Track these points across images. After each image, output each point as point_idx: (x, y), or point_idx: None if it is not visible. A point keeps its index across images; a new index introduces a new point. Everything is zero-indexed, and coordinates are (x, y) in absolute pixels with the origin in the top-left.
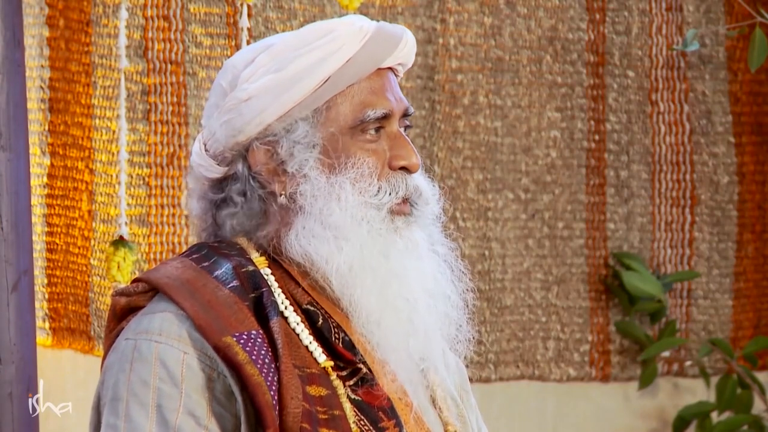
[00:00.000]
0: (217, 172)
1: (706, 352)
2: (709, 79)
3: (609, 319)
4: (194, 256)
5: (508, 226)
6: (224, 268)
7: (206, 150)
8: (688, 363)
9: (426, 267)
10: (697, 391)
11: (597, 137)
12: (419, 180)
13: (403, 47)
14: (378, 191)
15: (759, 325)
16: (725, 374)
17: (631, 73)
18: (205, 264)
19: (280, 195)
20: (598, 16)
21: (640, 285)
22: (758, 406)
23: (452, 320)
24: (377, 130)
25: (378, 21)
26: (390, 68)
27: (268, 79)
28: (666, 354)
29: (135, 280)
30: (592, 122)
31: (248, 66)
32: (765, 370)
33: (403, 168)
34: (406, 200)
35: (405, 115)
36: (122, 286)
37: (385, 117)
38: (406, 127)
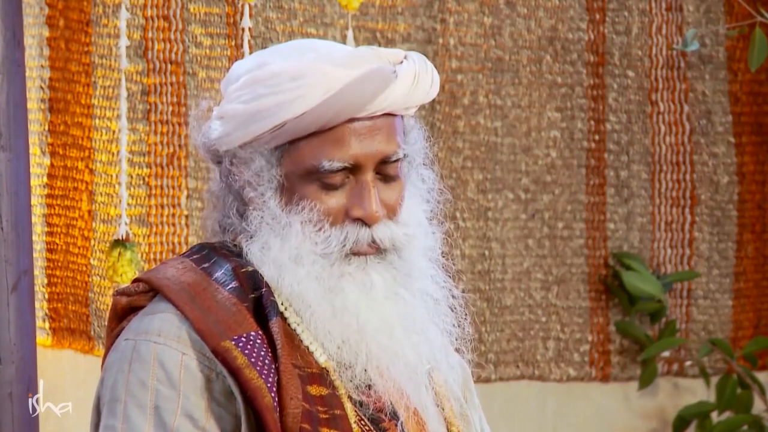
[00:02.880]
0: (216, 173)
1: (706, 352)
2: (709, 79)
3: (609, 319)
4: (195, 256)
5: (508, 226)
6: (224, 270)
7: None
8: (688, 363)
9: (388, 305)
10: (697, 391)
11: (597, 137)
12: (384, 229)
13: (388, 96)
14: (326, 239)
15: (759, 325)
16: (725, 374)
17: (631, 73)
18: (205, 265)
19: (249, 208)
20: (598, 16)
21: (640, 285)
22: (758, 406)
23: (438, 347)
24: (343, 178)
25: (375, 61)
26: (389, 113)
27: (237, 108)
28: (666, 354)
29: (135, 280)
30: (592, 122)
31: (234, 83)
32: (765, 370)
33: (360, 219)
34: (369, 244)
35: (385, 161)
36: (123, 285)
37: (347, 169)
38: (395, 163)
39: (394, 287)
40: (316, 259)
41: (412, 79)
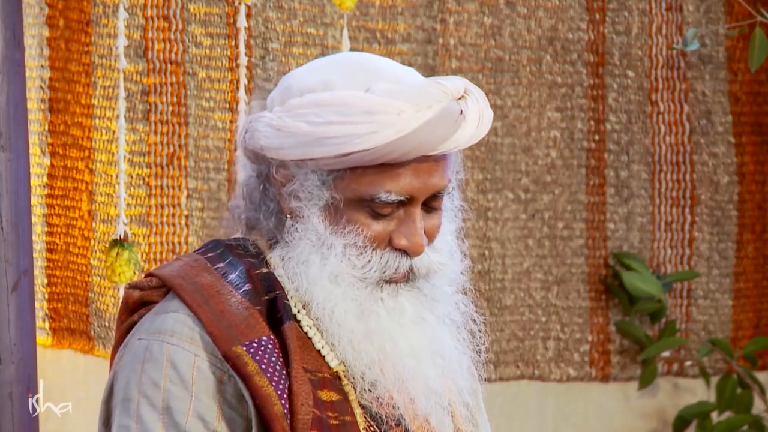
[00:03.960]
0: (250, 169)
1: (706, 352)
2: (709, 79)
3: (609, 319)
4: (209, 254)
5: (508, 226)
6: (238, 271)
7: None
8: (688, 363)
9: (415, 331)
10: (697, 391)
11: (597, 137)
12: (423, 256)
13: (454, 139)
14: (367, 263)
15: (759, 325)
16: (725, 374)
17: (631, 73)
18: (220, 265)
19: (287, 217)
20: (598, 16)
21: (640, 285)
22: (758, 406)
23: (459, 372)
24: (395, 208)
25: (448, 99)
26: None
27: (300, 125)
28: (666, 354)
29: (149, 275)
30: (592, 122)
31: (296, 98)
32: (765, 370)
33: (403, 249)
34: (404, 272)
35: (434, 196)
36: (135, 279)
37: (401, 202)
38: (442, 196)
39: (421, 312)
40: (353, 282)
41: (477, 120)
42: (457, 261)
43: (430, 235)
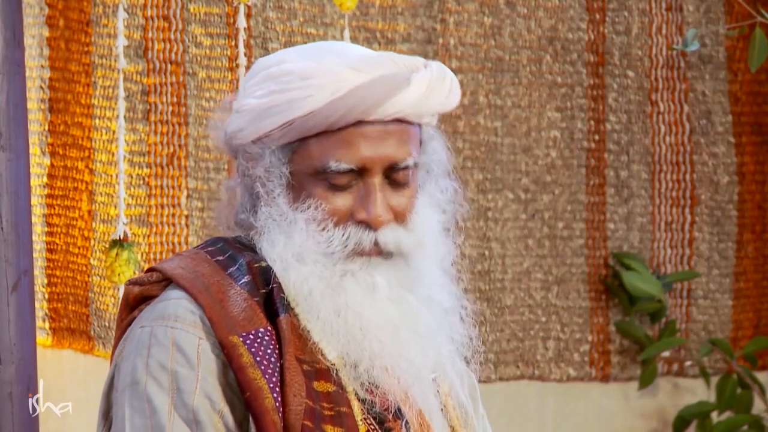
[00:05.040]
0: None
1: (706, 352)
2: (709, 79)
3: (609, 319)
4: (209, 248)
5: (508, 226)
6: (238, 264)
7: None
8: (688, 363)
9: (392, 308)
10: (697, 391)
11: (597, 137)
12: (390, 234)
13: (400, 100)
14: (329, 238)
15: (759, 325)
16: (725, 374)
17: (631, 73)
18: (220, 258)
19: (261, 205)
20: (598, 16)
21: (640, 285)
22: (758, 406)
23: (445, 354)
24: (351, 180)
25: (392, 66)
26: (404, 120)
27: (252, 102)
28: (666, 354)
29: (149, 270)
30: (592, 122)
31: (252, 78)
32: (765, 370)
33: (364, 221)
34: (372, 246)
35: (393, 168)
36: (135, 276)
37: (354, 171)
38: (404, 170)
39: (399, 290)
40: (318, 258)
41: (425, 88)
42: (440, 244)
43: (399, 213)
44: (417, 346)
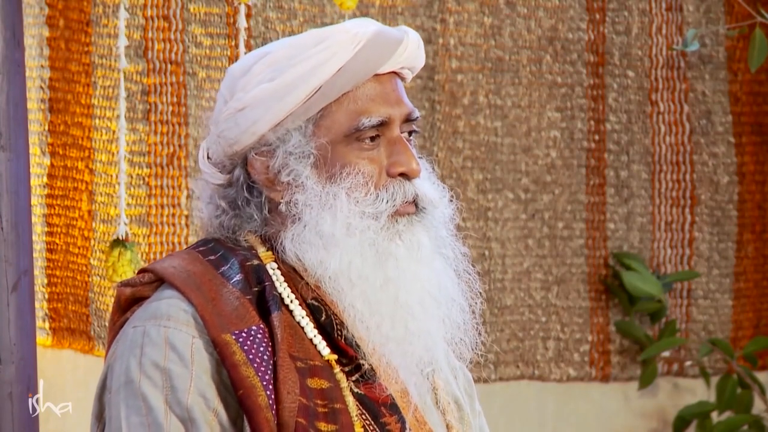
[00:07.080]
0: (220, 179)
1: (706, 352)
2: (709, 79)
3: (609, 319)
4: (201, 248)
5: (508, 226)
6: (230, 263)
7: (209, 157)
8: (688, 363)
9: (428, 271)
10: (697, 391)
11: (597, 137)
12: (422, 185)
13: (403, 52)
14: (375, 200)
15: (759, 325)
16: (725, 374)
17: (631, 73)
18: (212, 257)
19: (279, 203)
20: (598, 16)
21: (640, 285)
22: (758, 406)
23: (456, 323)
24: (375, 137)
25: (379, 24)
26: (395, 72)
27: (261, 89)
28: (666, 354)
29: (141, 271)
30: (592, 122)
31: (245, 75)
32: (765, 370)
33: (402, 174)
34: (411, 201)
35: (408, 120)
36: (127, 278)
37: (383, 124)
38: (412, 132)
39: (437, 247)
40: (368, 225)
41: (417, 40)
42: (446, 202)
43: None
44: (438, 316)
